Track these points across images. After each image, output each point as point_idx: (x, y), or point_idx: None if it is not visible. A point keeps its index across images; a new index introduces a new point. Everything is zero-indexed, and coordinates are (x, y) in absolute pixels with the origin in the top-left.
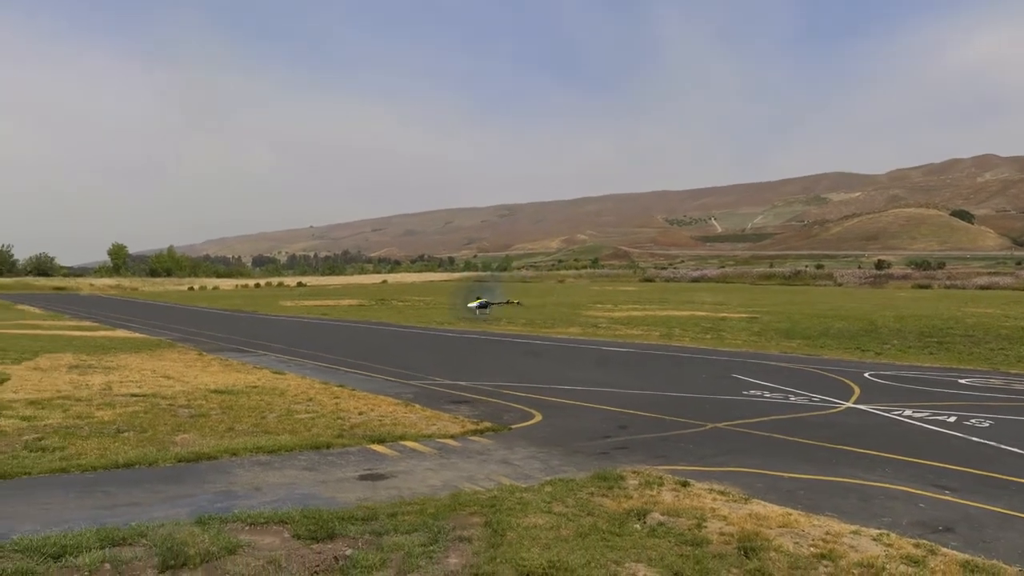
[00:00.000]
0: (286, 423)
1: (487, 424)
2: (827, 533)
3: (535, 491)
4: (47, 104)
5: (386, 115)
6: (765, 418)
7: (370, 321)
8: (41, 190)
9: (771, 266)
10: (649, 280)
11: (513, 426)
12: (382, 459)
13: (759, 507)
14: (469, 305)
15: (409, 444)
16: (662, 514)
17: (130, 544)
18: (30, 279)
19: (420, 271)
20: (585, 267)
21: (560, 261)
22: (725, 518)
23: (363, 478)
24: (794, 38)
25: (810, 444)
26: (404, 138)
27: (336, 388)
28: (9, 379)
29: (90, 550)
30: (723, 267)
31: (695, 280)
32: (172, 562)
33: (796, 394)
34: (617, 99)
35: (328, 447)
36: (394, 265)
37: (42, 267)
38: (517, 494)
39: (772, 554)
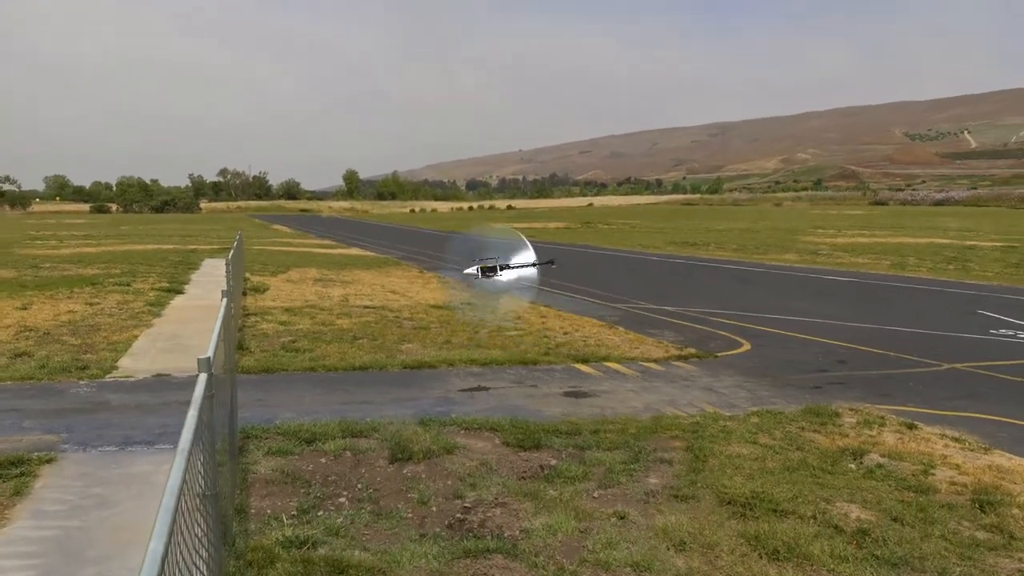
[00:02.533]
0: (496, 339)
1: (692, 350)
2: None
3: (740, 420)
4: (286, 42)
5: (592, 33)
6: (1017, 361)
7: (576, 244)
8: (288, 122)
9: None
10: (881, 203)
11: (719, 354)
12: (586, 378)
13: (1002, 459)
14: (466, 271)
15: (612, 365)
16: (882, 456)
17: (365, 436)
18: (282, 202)
19: (626, 194)
20: (805, 189)
21: (777, 183)
22: (958, 467)
23: (567, 395)
24: None
25: None
26: (610, 57)
27: (543, 308)
28: (269, 289)
29: (335, 438)
30: (975, 188)
31: (938, 203)
32: (399, 455)
33: None
34: None
35: (535, 363)
36: (600, 188)
37: (291, 191)
38: (721, 422)
39: (1015, 511)
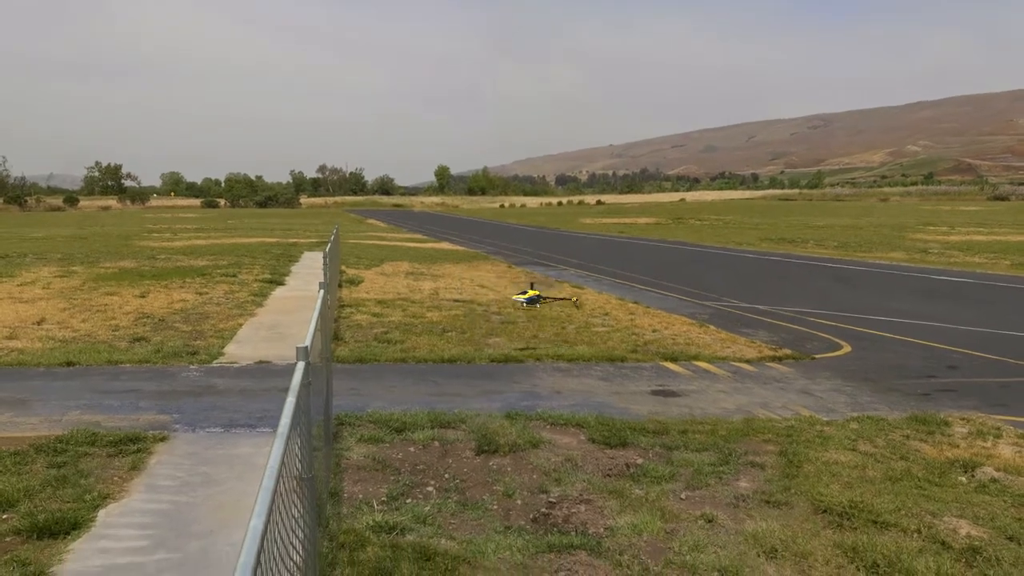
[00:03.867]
0: (584, 335)
1: (787, 351)
2: None
3: (839, 426)
4: (384, 43)
5: (685, 25)
6: None
7: (666, 239)
8: (382, 119)
9: None
10: (1001, 199)
11: (817, 356)
12: (674, 377)
13: None
14: (514, 298)
15: (702, 365)
16: (996, 470)
17: (453, 427)
18: (376, 197)
19: (720, 189)
20: (915, 183)
21: (883, 177)
22: None
23: (655, 393)
24: None
25: None
26: (704, 49)
27: (631, 304)
28: (363, 281)
29: (424, 428)
30: None
31: None
32: (486, 448)
33: None
34: None
35: (622, 360)
36: (692, 183)
37: (385, 187)
38: (817, 427)
39: None
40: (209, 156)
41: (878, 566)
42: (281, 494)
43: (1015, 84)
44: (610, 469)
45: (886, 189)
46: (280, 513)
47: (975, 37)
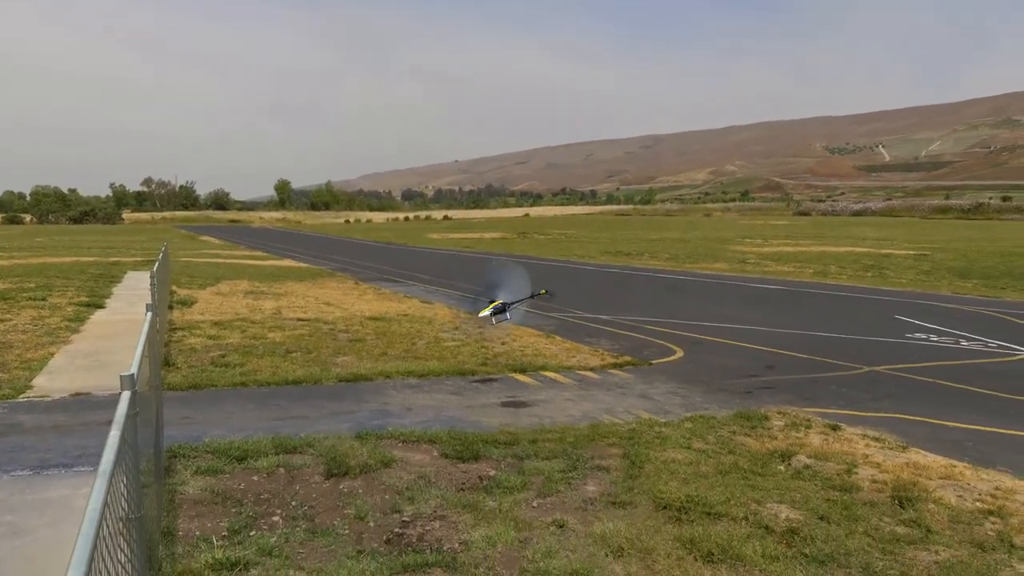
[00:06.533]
0: (434, 350)
1: (627, 358)
2: (997, 488)
3: (675, 426)
4: (215, 52)
5: (529, 47)
6: (931, 363)
7: (511, 254)
8: (216, 131)
9: (947, 198)
10: (804, 214)
11: (654, 361)
12: (523, 388)
13: (918, 456)
14: (481, 314)
15: (550, 375)
16: (808, 457)
17: (300, 452)
18: (210, 212)
19: (562, 204)
20: (734, 200)
21: (707, 194)
22: (879, 465)
23: (505, 405)
24: None
25: (983, 393)
26: (546, 70)
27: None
28: (197, 302)
29: (267, 455)
30: (890, 199)
31: (856, 214)
32: (336, 471)
33: (969, 339)
34: (777, 17)
35: (473, 374)
36: (536, 199)
37: (220, 201)
38: (656, 428)
39: (931, 506)
40: (12, 166)
41: (713, 554)
42: (104, 539)
43: (814, 113)
44: (463, 483)
45: (709, 205)
46: (105, 561)
47: (781, 69)
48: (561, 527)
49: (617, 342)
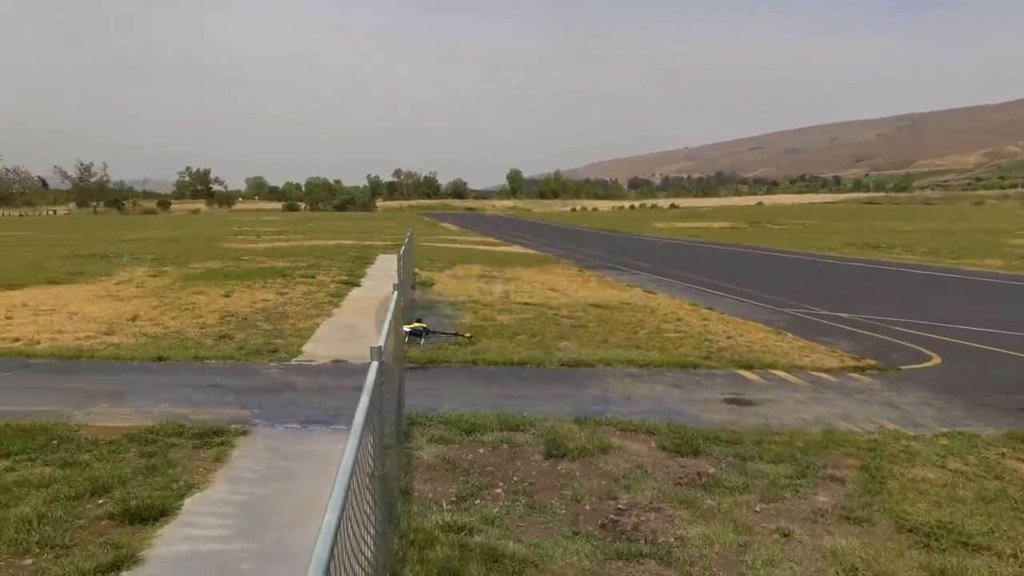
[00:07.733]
0: (655, 340)
1: (871, 361)
2: None
3: (926, 442)
4: (448, 47)
5: (763, 26)
6: None
7: (742, 245)
8: (455, 124)
9: None
10: None
11: (903, 367)
12: (749, 385)
13: None
14: (404, 328)
15: (778, 373)
16: None
17: (522, 430)
18: (449, 200)
19: (800, 192)
20: (1014, 186)
21: (978, 179)
22: None
23: (728, 401)
24: None
25: None
26: (784, 47)
27: (705, 310)
28: (435, 284)
29: (493, 430)
30: None
31: None
32: (555, 452)
33: None
34: None
35: (695, 367)
36: (771, 186)
37: (458, 190)
38: (903, 441)
39: None
40: (291, 160)
41: None
42: (354, 490)
43: None
44: (681, 478)
45: (981, 192)
46: (353, 509)
47: None
48: (786, 536)
49: (859, 343)
